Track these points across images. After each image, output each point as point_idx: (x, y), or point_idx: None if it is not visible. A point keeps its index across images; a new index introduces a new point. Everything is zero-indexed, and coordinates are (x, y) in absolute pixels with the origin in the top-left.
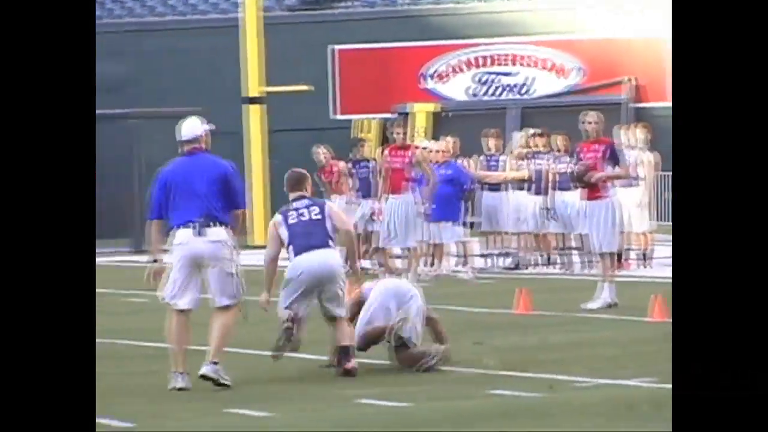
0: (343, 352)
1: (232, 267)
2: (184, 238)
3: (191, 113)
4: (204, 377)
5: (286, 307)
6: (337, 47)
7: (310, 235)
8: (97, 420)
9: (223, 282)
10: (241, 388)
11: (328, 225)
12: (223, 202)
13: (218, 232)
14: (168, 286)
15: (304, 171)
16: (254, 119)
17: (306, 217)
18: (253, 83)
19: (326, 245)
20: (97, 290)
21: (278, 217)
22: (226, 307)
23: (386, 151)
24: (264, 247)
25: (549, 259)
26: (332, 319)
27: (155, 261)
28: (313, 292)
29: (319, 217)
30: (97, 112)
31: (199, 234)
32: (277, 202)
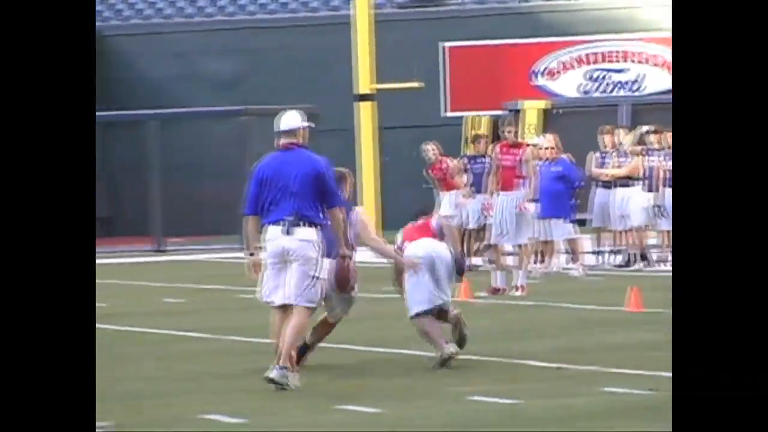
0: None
1: (316, 270)
2: (273, 234)
3: (303, 110)
4: (270, 381)
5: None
6: (447, 44)
7: (330, 243)
8: (208, 416)
9: (301, 281)
10: (351, 384)
11: (351, 232)
12: (316, 201)
13: (307, 232)
14: (263, 284)
15: (344, 171)
16: (365, 116)
17: None
18: (364, 80)
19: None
20: (208, 287)
21: None
22: (300, 309)
23: (497, 148)
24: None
25: (643, 256)
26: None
27: (252, 255)
28: None
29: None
30: (210, 109)
31: (288, 233)
32: (386, 199)
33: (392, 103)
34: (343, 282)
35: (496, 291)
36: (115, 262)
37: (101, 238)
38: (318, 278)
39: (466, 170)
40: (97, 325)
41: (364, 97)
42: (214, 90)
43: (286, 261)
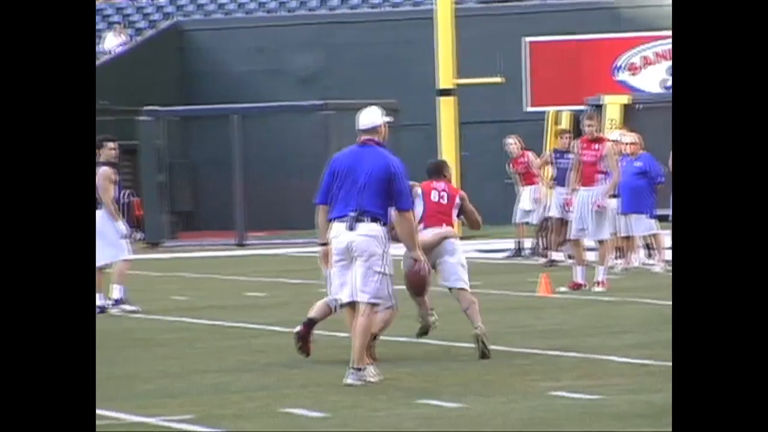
0: None
1: (381, 265)
2: (337, 231)
3: (384, 105)
4: (350, 386)
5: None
6: (529, 39)
7: None
8: (290, 410)
9: (365, 277)
10: (433, 379)
11: None
12: (383, 199)
13: (371, 227)
14: (330, 282)
15: None
16: (446, 111)
17: None
18: (446, 75)
19: None
20: (290, 281)
21: None
22: (366, 306)
23: (578, 144)
24: (461, 238)
25: None
26: None
27: (324, 245)
28: None
29: None
30: (291, 103)
31: (351, 228)
32: (466, 193)
33: (473, 98)
34: (418, 286)
35: (576, 286)
36: (197, 256)
37: (184, 232)
38: (384, 274)
39: (551, 164)
40: (179, 319)
41: (445, 92)
42: (296, 84)
43: (351, 258)
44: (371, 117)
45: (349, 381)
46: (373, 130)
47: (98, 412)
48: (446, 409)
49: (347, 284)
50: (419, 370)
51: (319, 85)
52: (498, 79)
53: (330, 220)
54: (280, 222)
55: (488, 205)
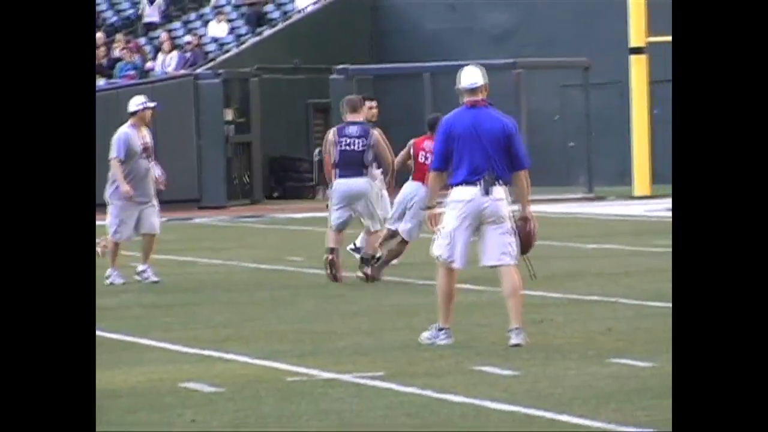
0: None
1: (512, 226)
2: (469, 194)
3: (575, 63)
4: (517, 346)
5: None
6: None
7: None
8: (481, 368)
9: (503, 240)
10: (625, 338)
11: (371, 153)
12: (507, 161)
13: (502, 191)
14: (442, 243)
15: (356, 98)
16: (637, 70)
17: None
18: (638, 33)
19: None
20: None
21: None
22: (510, 268)
23: None
24: (647, 197)
25: None
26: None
27: (429, 208)
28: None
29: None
30: (482, 62)
31: (487, 192)
32: (657, 152)
33: (666, 56)
34: (526, 245)
35: None
36: None
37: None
38: (514, 234)
39: None
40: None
41: (636, 50)
42: (488, 43)
43: (479, 222)
44: (473, 77)
45: (513, 342)
46: (476, 89)
47: (292, 368)
48: (638, 368)
49: (466, 250)
50: (613, 329)
51: (511, 43)
52: None
53: (455, 183)
54: None
55: None
